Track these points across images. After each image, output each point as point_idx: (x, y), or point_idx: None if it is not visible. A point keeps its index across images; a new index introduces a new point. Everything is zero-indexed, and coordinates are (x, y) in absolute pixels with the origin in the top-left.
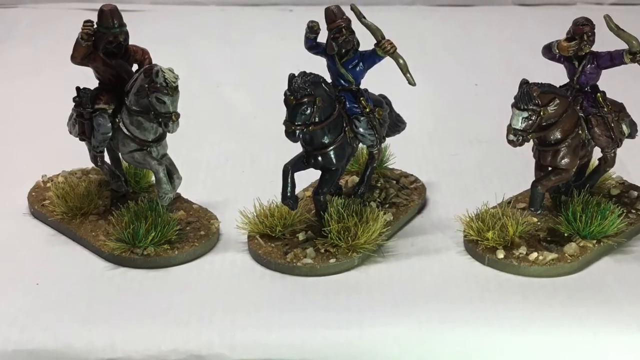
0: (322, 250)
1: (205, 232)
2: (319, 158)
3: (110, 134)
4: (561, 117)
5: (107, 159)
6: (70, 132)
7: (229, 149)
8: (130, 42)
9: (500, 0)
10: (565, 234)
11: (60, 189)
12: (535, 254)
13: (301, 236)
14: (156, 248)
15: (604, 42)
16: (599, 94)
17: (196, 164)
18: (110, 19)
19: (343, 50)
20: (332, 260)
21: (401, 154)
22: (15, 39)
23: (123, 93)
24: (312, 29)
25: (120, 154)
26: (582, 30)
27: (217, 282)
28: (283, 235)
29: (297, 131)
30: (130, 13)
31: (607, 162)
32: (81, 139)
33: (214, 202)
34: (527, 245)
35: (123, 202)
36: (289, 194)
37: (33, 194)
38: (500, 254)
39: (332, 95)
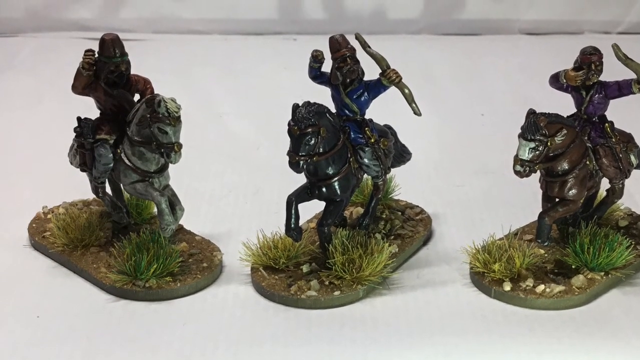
0: (327, 283)
1: (208, 264)
2: (323, 189)
3: (111, 165)
4: (569, 147)
5: (108, 190)
6: (71, 163)
7: (232, 179)
8: (132, 72)
9: (507, 29)
10: (573, 266)
11: (61, 220)
12: (542, 287)
13: (305, 268)
14: (158, 280)
15: (613, 71)
16: (607, 124)
17: (199, 195)
18: (111, 48)
19: (347, 80)
20: (337, 293)
21: (407, 184)
22: (16, 68)
23: (125, 123)
24: (317, 58)
25: (121, 185)
26: (589, 59)
27: (220, 315)
28: (287, 267)
29: (301, 162)
30: (131, 42)
31: (615, 193)
32: (82, 170)
33: (216, 233)
34: (534, 277)
35: (125, 234)
36: (292, 226)
37: (33, 225)
38: (507, 286)
39: (337, 125)
